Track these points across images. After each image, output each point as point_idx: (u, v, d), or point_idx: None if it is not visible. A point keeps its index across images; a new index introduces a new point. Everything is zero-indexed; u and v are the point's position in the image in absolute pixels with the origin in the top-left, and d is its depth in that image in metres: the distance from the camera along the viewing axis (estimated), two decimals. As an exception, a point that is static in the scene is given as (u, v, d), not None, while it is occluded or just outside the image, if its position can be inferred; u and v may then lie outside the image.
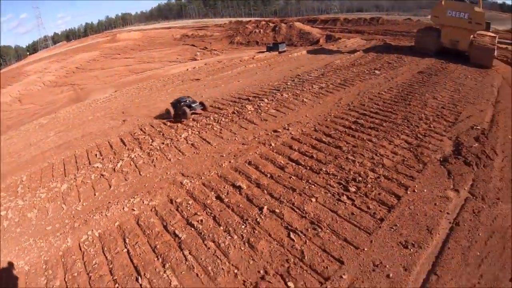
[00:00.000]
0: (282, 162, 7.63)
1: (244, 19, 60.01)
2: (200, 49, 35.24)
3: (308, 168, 7.36)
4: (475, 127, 9.19)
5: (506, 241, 5.31)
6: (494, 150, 8.01)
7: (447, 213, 5.93)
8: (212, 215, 6.03)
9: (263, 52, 27.38)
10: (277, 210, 6.00)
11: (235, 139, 8.92)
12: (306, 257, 4.95)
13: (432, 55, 19.12)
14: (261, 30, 39.42)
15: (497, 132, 8.96)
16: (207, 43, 39.26)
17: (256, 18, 63.29)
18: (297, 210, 6.01)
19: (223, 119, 10.44)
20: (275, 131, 9.24)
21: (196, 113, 11.67)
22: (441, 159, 7.66)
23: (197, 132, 9.53)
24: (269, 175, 7.10)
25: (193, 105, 11.64)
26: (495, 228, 5.59)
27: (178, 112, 11.52)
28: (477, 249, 5.14)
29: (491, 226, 5.64)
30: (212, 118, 10.57)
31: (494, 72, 15.73)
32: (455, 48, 18.94)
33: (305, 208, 6.02)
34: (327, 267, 4.76)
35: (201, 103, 12.00)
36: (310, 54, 22.16)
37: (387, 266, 4.77)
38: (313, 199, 6.28)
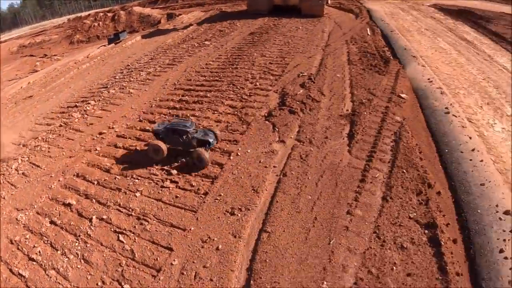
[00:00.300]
0: (108, 164, 7.31)
1: (84, 14, 53.20)
2: (40, 57, 30.39)
3: (133, 163, 7.15)
4: (301, 74, 9.34)
5: (337, 176, 5.53)
6: (321, 92, 8.16)
7: (274, 167, 6.07)
8: (49, 242, 5.69)
9: (101, 46, 24.92)
10: (105, 216, 5.85)
11: (62, 154, 8.18)
12: (136, 255, 4.98)
13: (266, 15, 19.13)
14: (100, 22, 35.35)
15: (324, 74, 9.21)
16: (47, 49, 33.97)
17: (96, 10, 56.76)
18: (123, 210, 5.90)
19: (50, 136, 9.26)
20: (100, 133, 8.67)
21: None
22: (266, 115, 7.69)
23: (27, 158, 8.42)
24: (96, 182, 6.80)
25: (210, 140, 6.69)
26: (325, 167, 5.80)
27: (185, 155, 6.75)
28: (307, 193, 5.34)
29: (321, 166, 5.85)
30: (40, 138, 9.28)
31: (327, 19, 16.49)
32: (287, 4, 19.13)
33: (130, 206, 5.94)
34: (157, 258, 4.85)
35: (212, 131, 7.05)
36: (145, 38, 20.82)
37: (215, 239, 4.93)
38: (138, 194, 6.19)
